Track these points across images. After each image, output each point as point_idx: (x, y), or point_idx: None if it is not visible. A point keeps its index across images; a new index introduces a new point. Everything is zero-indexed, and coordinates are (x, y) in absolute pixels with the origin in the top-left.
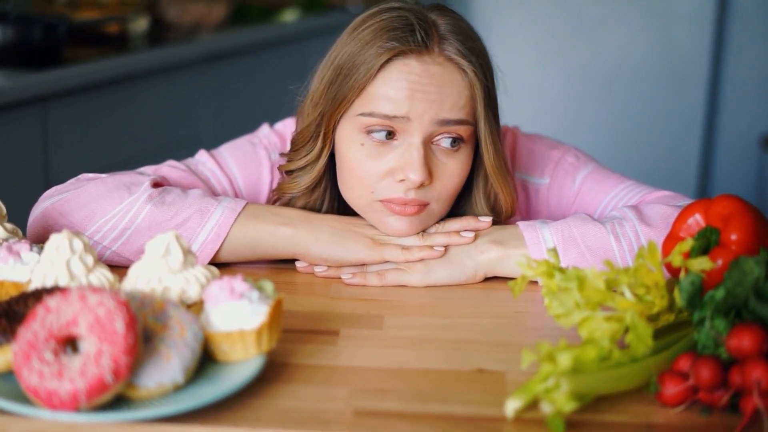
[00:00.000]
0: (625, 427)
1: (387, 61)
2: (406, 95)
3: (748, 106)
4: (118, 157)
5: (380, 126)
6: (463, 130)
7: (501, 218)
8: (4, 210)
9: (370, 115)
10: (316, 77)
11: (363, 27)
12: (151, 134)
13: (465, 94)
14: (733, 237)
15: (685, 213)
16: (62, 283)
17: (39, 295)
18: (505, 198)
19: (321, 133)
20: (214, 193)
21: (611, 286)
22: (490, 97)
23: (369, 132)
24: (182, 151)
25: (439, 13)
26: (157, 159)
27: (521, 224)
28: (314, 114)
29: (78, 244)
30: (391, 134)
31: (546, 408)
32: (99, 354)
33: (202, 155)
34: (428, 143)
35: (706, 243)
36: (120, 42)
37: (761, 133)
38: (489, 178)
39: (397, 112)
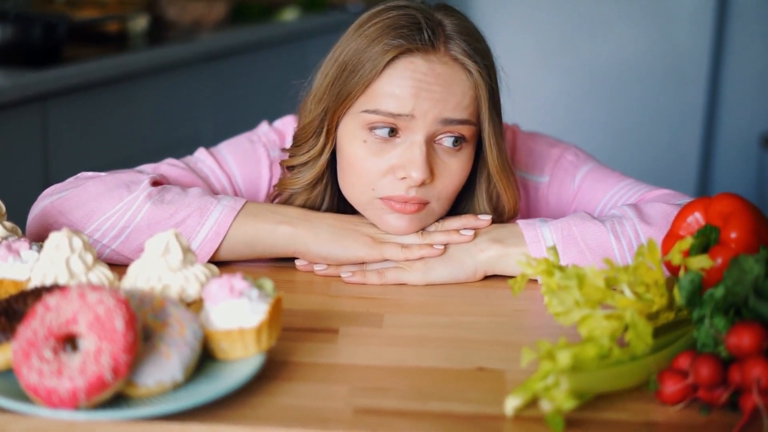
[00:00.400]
0: (625, 425)
1: (393, 59)
2: (411, 93)
3: (748, 105)
4: (117, 155)
5: (383, 123)
6: (466, 130)
7: (503, 218)
8: (4, 208)
9: (375, 112)
10: (320, 73)
11: (369, 24)
12: (151, 133)
13: (469, 94)
14: (733, 235)
15: (684, 211)
16: (62, 281)
17: (38, 293)
18: (508, 199)
19: (324, 129)
20: (213, 191)
21: (611, 285)
22: (494, 98)
23: (372, 129)
24: (182, 150)
25: (445, 12)
26: (156, 158)
27: (521, 222)
28: (317, 110)
29: (77, 242)
30: (393, 131)
31: (545, 406)
32: (98, 352)
33: (201, 153)
34: (430, 142)
35: (706, 241)
36: (120, 41)
37: (761, 132)
38: (492, 179)
39: (402, 110)
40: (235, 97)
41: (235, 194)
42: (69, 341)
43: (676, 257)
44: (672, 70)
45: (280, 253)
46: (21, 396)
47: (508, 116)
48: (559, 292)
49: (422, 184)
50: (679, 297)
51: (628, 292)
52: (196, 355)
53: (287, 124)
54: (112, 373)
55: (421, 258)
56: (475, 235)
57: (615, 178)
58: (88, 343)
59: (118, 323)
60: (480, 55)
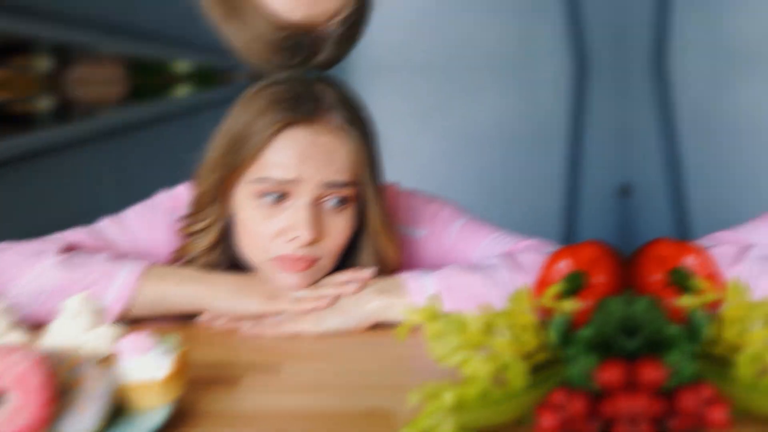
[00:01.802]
0: None
1: (278, 130)
2: (296, 162)
3: (607, 159)
4: (27, 230)
5: (273, 190)
6: (349, 191)
7: (387, 270)
8: None
9: (264, 180)
10: (212, 146)
11: (255, 98)
12: (57, 208)
13: (350, 158)
14: (599, 279)
15: (554, 258)
16: None
17: None
18: (391, 253)
19: (218, 197)
20: (119, 255)
21: (489, 329)
22: (374, 161)
23: (262, 195)
24: (86, 221)
25: (325, 84)
26: (64, 229)
27: (404, 275)
28: (211, 179)
29: None
30: (282, 197)
31: None
32: (20, 408)
33: (104, 221)
34: (317, 203)
35: (575, 285)
36: (24, 121)
37: (620, 182)
38: (375, 235)
39: (288, 176)
40: (136, 171)
41: (139, 258)
42: None
43: (547, 301)
44: (536, 132)
45: (184, 310)
46: None
47: (389, 175)
48: (441, 337)
49: (311, 243)
50: (552, 337)
51: (504, 335)
52: (109, 407)
53: (185, 192)
54: (33, 428)
55: (314, 309)
56: (363, 287)
57: (488, 230)
58: (10, 399)
59: (37, 380)
60: (359, 122)
